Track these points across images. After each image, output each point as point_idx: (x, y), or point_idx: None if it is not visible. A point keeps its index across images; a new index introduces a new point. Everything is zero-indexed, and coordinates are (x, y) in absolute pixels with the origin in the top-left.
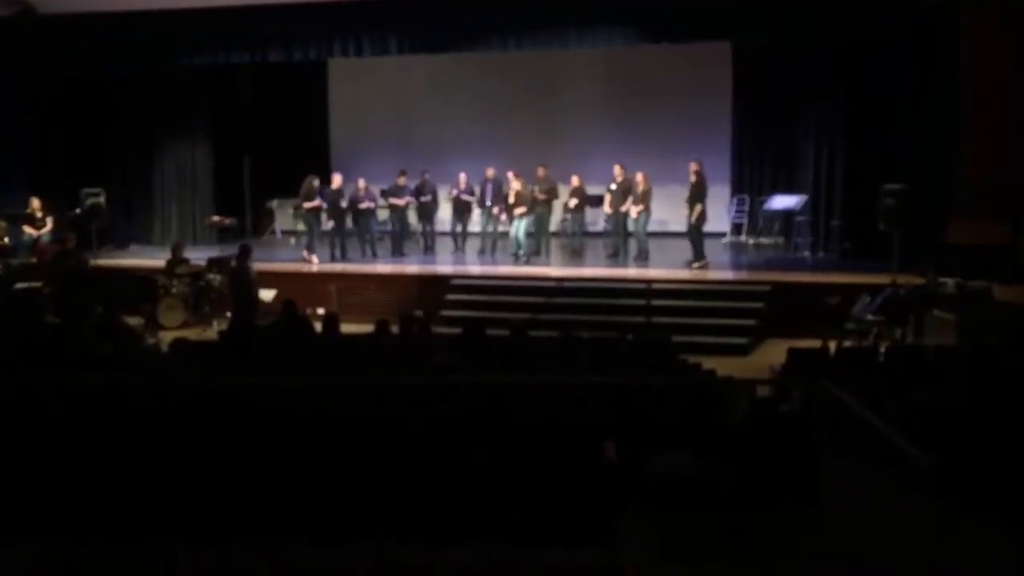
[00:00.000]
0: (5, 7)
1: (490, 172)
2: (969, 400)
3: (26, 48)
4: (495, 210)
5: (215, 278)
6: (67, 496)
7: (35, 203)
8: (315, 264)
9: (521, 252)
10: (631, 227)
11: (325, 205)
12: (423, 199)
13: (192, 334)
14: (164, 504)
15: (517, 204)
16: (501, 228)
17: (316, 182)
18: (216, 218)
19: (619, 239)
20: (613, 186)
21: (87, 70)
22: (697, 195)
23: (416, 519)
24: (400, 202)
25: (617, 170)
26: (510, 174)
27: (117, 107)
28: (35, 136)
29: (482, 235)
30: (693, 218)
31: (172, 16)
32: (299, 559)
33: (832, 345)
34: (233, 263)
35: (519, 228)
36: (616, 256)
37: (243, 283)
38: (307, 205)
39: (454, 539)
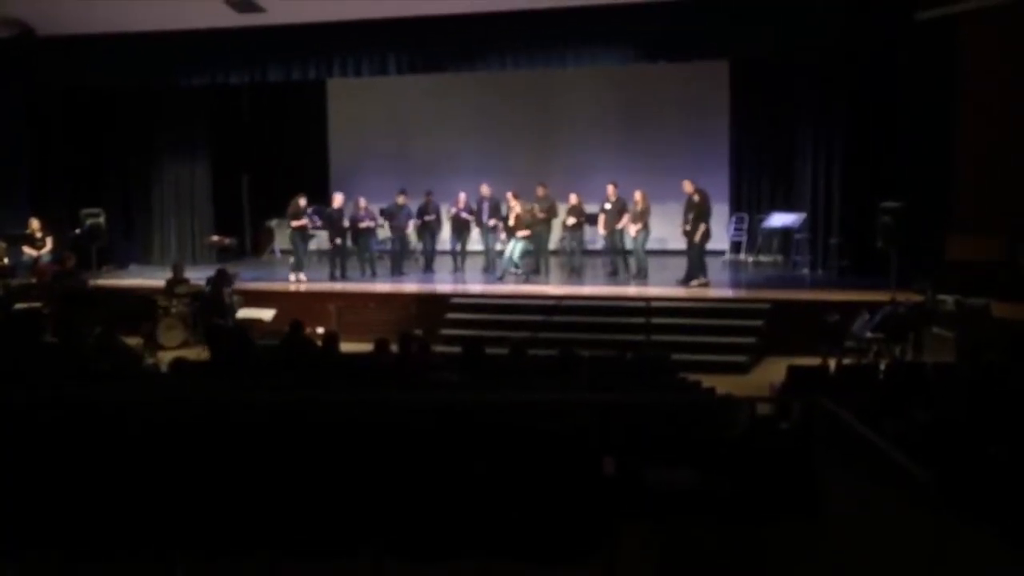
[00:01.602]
0: (5, 28)
1: (485, 190)
2: (968, 417)
3: (25, 68)
4: (491, 222)
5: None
6: (66, 510)
7: (34, 223)
8: (303, 284)
9: (519, 271)
10: (629, 245)
11: (311, 224)
12: (427, 218)
13: (192, 354)
14: (163, 518)
15: (518, 227)
16: (499, 246)
17: (303, 201)
18: (215, 238)
19: (616, 257)
20: (607, 205)
21: (86, 90)
22: (702, 213)
23: (414, 534)
24: (405, 227)
25: (610, 189)
26: (509, 194)
27: (116, 127)
28: (35, 156)
29: (485, 252)
30: (698, 237)
31: (171, 37)
32: (297, 573)
33: (831, 363)
34: (208, 288)
35: (515, 248)
36: (616, 274)
37: (216, 309)
38: (293, 224)
39: (453, 553)
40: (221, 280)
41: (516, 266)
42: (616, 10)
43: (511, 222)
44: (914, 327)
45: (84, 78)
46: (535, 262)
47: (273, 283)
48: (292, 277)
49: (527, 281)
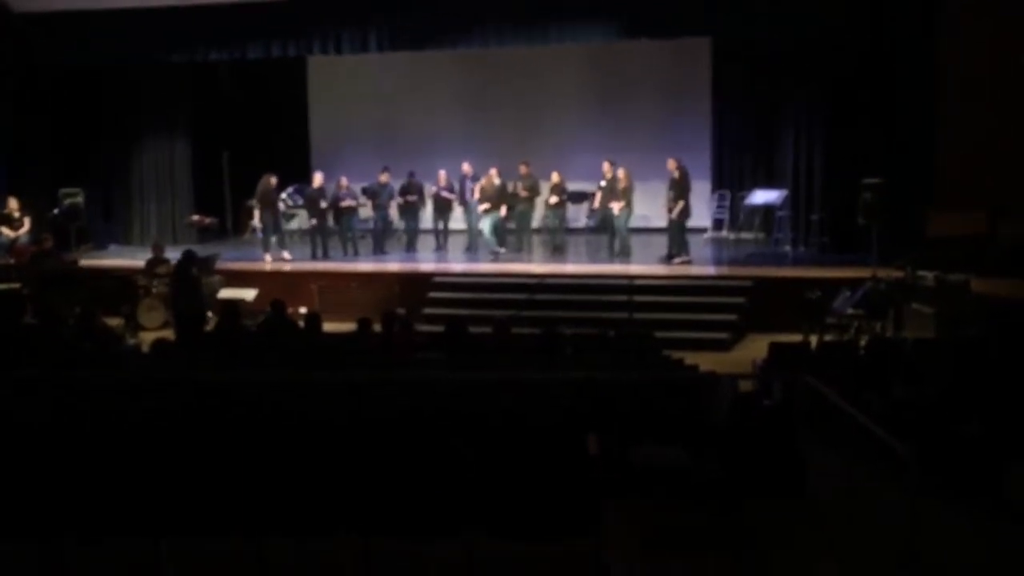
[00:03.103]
0: None
1: (466, 168)
2: (947, 392)
3: (2, 47)
4: (476, 198)
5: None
6: (50, 492)
7: (12, 203)
8: (286, 264)
9: (502, 251)
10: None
11: (291, 203)
12: (409, 198)
13: (172, 334)
14: (148, 499)
15: (482, 200)
16: (481, 224)
17: (274, 180)
18: (196, 217)
19: (609, 235)
20: (603, 183)
21: (65, 68)
22: (680, 190)
23: (402, 513)
24: (387, 206)
25: (606, 166)
26: (493, 171)
27: (96, 105)
28: (12, 135)
29: (468, 231)
30: (675, 214)
31: (150, 13)
32: (284, 551)
33: (813, 339)
34: (165, 268)
35: (486, 224)
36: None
37: (186, 292)
38: (260, 207)
39: (439, 532)
40: (188, 262)
41: (496, 245)
42: None
43: (476, 196)
44: (894, 303)
45: (62, 55)
46: (518, 240)
47: (254, 263)
48: (268, 257)
49: (499, 259)
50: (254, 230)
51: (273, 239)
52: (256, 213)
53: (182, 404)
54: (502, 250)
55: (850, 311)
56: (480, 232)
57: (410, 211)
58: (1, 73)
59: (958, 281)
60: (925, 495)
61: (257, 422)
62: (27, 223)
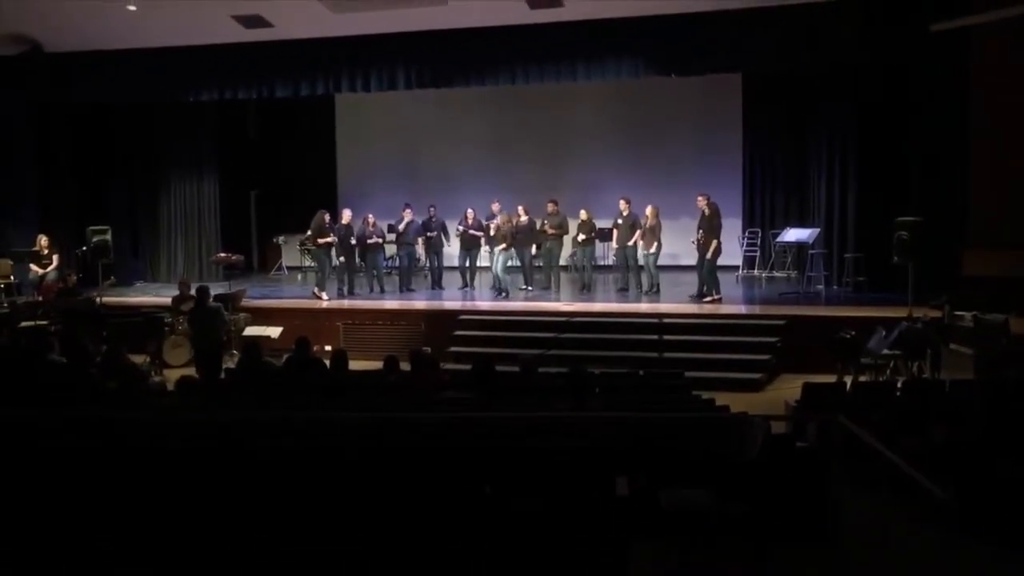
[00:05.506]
0: (13, 46)
1: (495, 206)
2: (986, 435)
3: (34, 85)
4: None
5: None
6: (66, 530)
7: (42, 240)
8: (325, 301)
9: (502, 287)
10: (640, 261)
11: (336, 240)
12: (430, 235)
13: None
14: (168, 540)
15: (497, 240)
16: (511, 263)
17: (327, 216)
18: (222, 255)
19: (627, 273)
20: (619, 220)
21: (94, 106)
22: (712, 228)
23: (423, 554)
24: (414, 243)
25: (623, 204)
26: (520, 208)
27: (124, 143)
28: (43, 173)
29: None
30: (710, 253)
31: (179, 52)
32: None
33: (848, 380)
34: (191, 306)
35: (497, 263)
36: (626, 290)
37: (203, 325)
38: (320, 240)
39: (464, 573)
40: (204, 297)
41: (500, 281)
42: (627, 23)
43: (492, 233)
44: (931, 343)
45: (92, 94)
46: (546, 278)
47: (280, 300)
48: (315, 291)
49: (508, 298)
50: (280, 268)
51: (303, 276)
52: (297, 249)
53: (204, 442)
54: (528, 288)
55: (886, 351)
56: (515, 269)
57: (433, 248)
58: (32, 111)
59: (997, 321)
60: (962, 539)
61: (276, 462)
62: (55, 260)
